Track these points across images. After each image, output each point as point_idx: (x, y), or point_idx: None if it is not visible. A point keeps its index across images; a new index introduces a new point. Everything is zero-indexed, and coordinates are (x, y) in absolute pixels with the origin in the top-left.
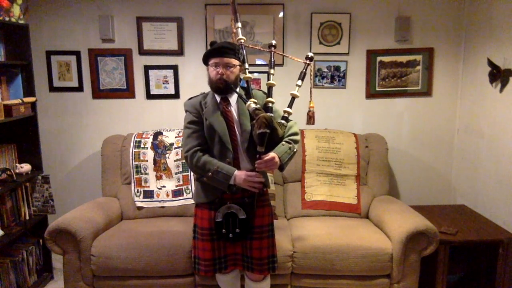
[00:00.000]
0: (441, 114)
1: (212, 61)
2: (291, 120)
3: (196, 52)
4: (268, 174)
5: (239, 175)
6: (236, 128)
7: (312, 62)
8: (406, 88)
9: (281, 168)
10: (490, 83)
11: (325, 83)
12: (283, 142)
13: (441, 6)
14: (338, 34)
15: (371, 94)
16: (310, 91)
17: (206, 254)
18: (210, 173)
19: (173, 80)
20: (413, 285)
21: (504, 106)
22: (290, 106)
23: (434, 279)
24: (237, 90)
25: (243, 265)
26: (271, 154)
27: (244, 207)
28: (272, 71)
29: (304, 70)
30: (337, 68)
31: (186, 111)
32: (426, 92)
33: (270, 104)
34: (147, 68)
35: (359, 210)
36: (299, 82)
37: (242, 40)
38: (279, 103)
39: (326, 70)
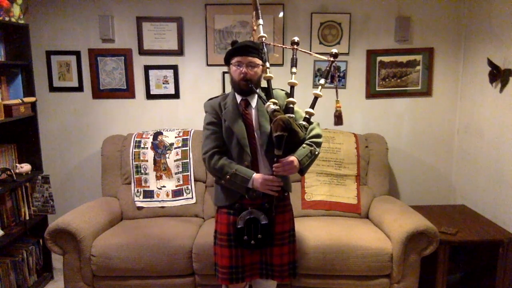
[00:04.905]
0: (441, 114)
1: (234, 60)
2: (312, 122)
3: (196, 52)
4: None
5: (257, 178)
6: (255, 131)
7: (336, 60)
8: (406, 88)
9: (301, 172)
10: (490, 83)
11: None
12: (304, 145)
13: (441, 6)
14: (338, 34)
15: (371, 94)
16: (336, 90)
17: (224, 260)
18: (228, 176)
19: (173, 80)
20: (413, 285)
21: (504, 106)
22: (312, 106)
23: (434, 279)
24: (258, 90)
25: (260, 273)
26: (290, 158)
27: (265, 213)
28: (294, 69)
29: (328, 68)
30: (337, 68)
31: (205, 111)
32: (426, 92)
33: (291, 105)
34: (147, 68)
35: (359, 210)
36: (322, 81)
37: (264, 38)
38: None
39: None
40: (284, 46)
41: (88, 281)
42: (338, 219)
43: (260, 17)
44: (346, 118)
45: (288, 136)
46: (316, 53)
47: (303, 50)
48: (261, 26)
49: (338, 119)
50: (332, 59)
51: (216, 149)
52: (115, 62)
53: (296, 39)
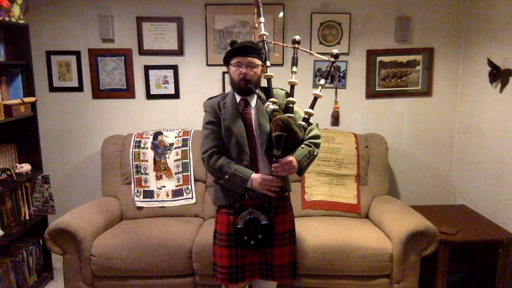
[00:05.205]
0: (441, 114)
1: (234, 61)
2: (312, 123)
3: (196, 52)
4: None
5: (256, 178)
6: (254, 130)
7: (337, 60)
8: (406, 88)
9: (300, 172)
10: (490, 83)
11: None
12: (303, 145)
13: (441, 6)
14: (338, 34)
15: (371, 94)
16: (336, 91)
17: (224, 261)
18: (227, 176)
19: (173, 80)
20: (413, 285)
21: (504, 106)
22: (311, 107)
23: (434, 279)
24: (257, 91)
25: (260, 274)
26: (289, 158)
27: (265, 213)
28: (294, 68)
29: (328, 69)
30: (337, 68)
31: (205, 111)
32: (426, 92)
33: (290, 104)
34: (147, 68)
35: (359, 210)
36: (322, 81)
37: (265, 36)
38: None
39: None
40: (285, 45)
41: (88, 281)
42: (338, 219)
43: (262, 15)
44: (346, 118)
45: (287, 136)
46: (317, 53)
47: (304, 49)
48: (262, 24)
49: (335, 119)
50: (333, 59)
51: (215, 148)
52: (115, 62)
53: (297, 38)
